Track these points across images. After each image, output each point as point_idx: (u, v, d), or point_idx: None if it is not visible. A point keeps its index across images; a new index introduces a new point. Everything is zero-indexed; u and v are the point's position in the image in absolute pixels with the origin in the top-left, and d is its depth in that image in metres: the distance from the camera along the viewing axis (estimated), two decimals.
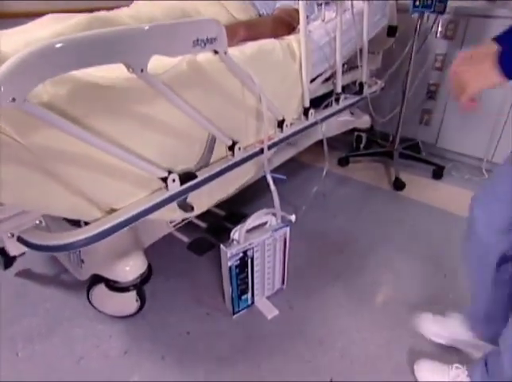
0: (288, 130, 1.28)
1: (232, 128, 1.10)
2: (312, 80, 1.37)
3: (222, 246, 1.07)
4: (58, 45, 0.63)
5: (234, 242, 1.08)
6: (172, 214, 1.06)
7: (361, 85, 1.60)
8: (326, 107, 1.47)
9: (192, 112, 0.92)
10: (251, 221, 1.08)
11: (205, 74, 0.99)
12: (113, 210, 0.90)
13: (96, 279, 1.12)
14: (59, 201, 0.82)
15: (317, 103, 1.45)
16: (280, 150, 1.48)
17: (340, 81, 1.44)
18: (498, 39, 0.66)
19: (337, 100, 1.48)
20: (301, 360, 1.08)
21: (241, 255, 1.09)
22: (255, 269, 1.16)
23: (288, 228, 1.16)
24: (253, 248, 1.11)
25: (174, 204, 1.05)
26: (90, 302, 1.20)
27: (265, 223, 1.16)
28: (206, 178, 1.04)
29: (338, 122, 1.83)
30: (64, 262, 1.24)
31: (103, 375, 1.05)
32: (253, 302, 1.23)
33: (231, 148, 1.10)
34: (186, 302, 1.26)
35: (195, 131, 1.00)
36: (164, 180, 0.94)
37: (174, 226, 1.33)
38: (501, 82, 0.64)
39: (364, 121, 1.98)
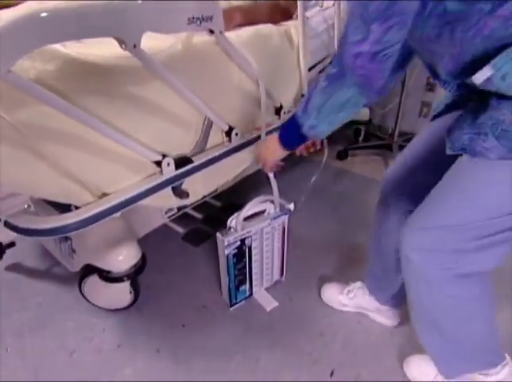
0: (286, 118, 1.26)
1: (228, 114, 1.07)
2: (311, 68, 1.35)
3: (218, 234, 1.04)
4: (44, 15, 0.61)
5: (232, 230, 1.05)
6: (167, 201, 1.03)
7: None
8: None
9: (187, 93, 0.90)
10: (249, 208, 1.05)
11: (201, 56, 0.97)
12: (105, 195, 0.87)
13: (88, 270, 1.09)
14: (48, 183, 0.80)
15: None
16: None
17: None
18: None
19: None
20: (302, 353, 1.06)
21: (238, 243, 1.06)
22: (253, 259, 1.13)
23: (286, 217, 1.14)
24: (251, 236, 1.08)
25: (169, 191, 1.03)
26: (82, 294, 1.17)
27: (264, 211, 1.13)
28: (202, 163, 1.02)
29: None
30: (54, 253, 1.21)
31: (96, 369, 1.02)
32: (251, 294, 1.21)
33: (228, 134, 1.08)
34: (181, 294, 1.23)
35: (191, 115, 0.98)
36: (159, 164, 0.92)
37: (169, 217, 1.30)
38: (286, 153, 0.83)
39: (363, 113, 1.96)
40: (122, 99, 0.84)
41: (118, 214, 0.91)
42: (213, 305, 1.20)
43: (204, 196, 1.33)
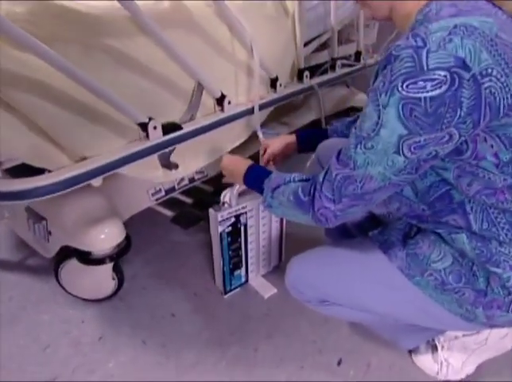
0: (282, 91, 1.21)
1: (220, 81, 1.02)
2: (306, 44, 1.31)
3: (211, 209, 0.97)
4: None
5: (225, 205, 0.98)
6: (154, 171, 0.96)
7: (357, 55, 1.55)
8: (322, 74, 1.40)
9: (177, 52, 0.84)
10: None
11: (189, 17, 0.91)
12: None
13: (66, 254, 1.01)
14: (18, 140, 0.72)
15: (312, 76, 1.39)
16: (272, 131, 1.41)
17: (336, 45, 1.38)
18: (299, 134, 1.02)
19: (333, 67, 1.42)
20: (305, 341, 0.98)
21: (233, 220, 0.99)
22: (249, 239, 1.05)
23: None
24: (246, 213, 1.01)
25: (156, 161, 0.96)
26: (59, 283, 1.07)
27: None
28: (192, 131, 0.95)
29: (333, 98, 1.77)
30: (27, 239, 1.11)
31: (73, 363, 0.92)
32: (247, 280, 1.13)
33: (220, 102, 1.02)
34: (170, 282, 1.15)
35: (180, 79, 0.91)
36: (144, 127, 0.85)
37: (156, 199, 1.22)
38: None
39: (360, 99, 1.92)
40: (104, 52, 0.77)
41: (98, 181, 0.83)
42: (205, 293, 1.11)
43: (194, 180, 1.26)
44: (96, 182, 0.86)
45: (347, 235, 0.98)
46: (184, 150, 0.98)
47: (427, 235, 0.69)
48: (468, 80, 0.48)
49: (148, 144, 0.86)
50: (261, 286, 1.13)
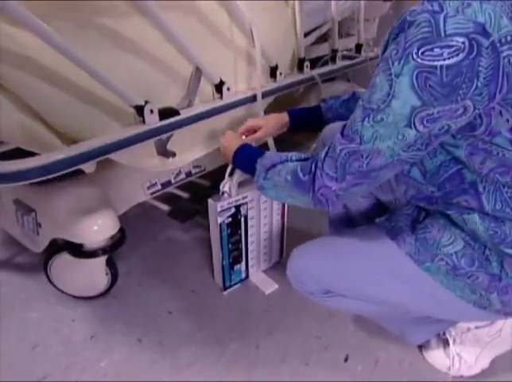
0: (282, 81, 1.19)
1: (219, 68, 1.00)
2: (307, 35, 1.30)
3: (210, 199, 0.95)
4: None
5: (225, 195, 0.95)
6: (150, 160, 0.94)
7: (358, 48, 1.54)
8: (323, 66, 1.39)
9: (174, 34, 0.82)
10: None
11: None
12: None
13: (56, 248, 0.98)
14: (8, 121, 0.70)
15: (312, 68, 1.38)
16: None
17: (336, 36, 1.38)
18: (291, 112, 0.97)
19: (333, 59, 1.41)
20: (309, 336, 0.95)
21: (233, 210, 0.96)
22: (250, 232, 1.03)
23: None
24: (247, 203, 0.98)
25: (153, 149, 0.94)
26: (49, 279, 1.04)
27: None
28: (190, 117, 0.93)
29: (334, 92, 1.75)
30: (15, 234, 1.08)
31: (64, 362, 0.89)
32: (247, 276, 1.10)
33: (219, 89, 1.00)
34: (167, 279, 1.12)
35: (177, 63, 0.90)
36: (140, 111, 0.83)
37: (152, 193, 1.19)
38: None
39: None
40: (98, 32, 0.75)
41: (90, 167, 0.81)
42: (204, 289, 1.08)
43: (191, 174, 1.24)
44: (88, 168, 0.84)
45: (352, 225, 0.95)
46: (181, 139, 0.97)
47: (436, 219, 0.67)
48: (487, 48, 0.46)
49: (144, 128, 0.83)
50: (262, 281, 1.10)
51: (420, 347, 0.90)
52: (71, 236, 0.92)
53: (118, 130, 0.83)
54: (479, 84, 0.47)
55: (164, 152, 0.94)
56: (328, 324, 0.98)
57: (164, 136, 0.90)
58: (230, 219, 0.97)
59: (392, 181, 0.74)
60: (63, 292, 1.05)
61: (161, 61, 0.87)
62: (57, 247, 0.97)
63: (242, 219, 1.00)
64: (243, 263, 1.07)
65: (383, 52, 0.56)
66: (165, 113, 0.88)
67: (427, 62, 0.47)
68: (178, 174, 1.24)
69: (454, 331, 0.85)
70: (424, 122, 0.50)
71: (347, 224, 0.97)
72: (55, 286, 1.05)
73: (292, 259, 0.80)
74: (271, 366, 0.88)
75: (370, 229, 0.76)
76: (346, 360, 0.90)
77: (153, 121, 0.85)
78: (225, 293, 1.07)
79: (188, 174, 1.24)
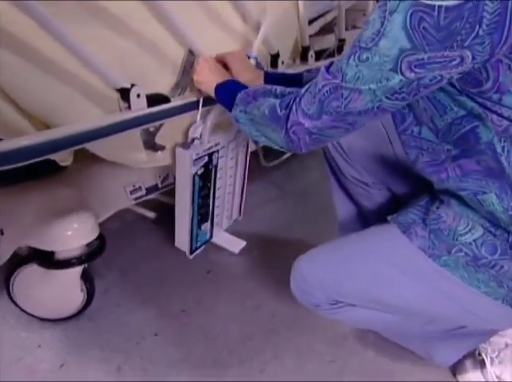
0: (283, 71, 1.18)
1: (214, 51, 0.99)
2: (311, 22, 1.31)
3: (178, 148, 0.89)
4: None
5: (195, 142, 0.90)
6: (135, 154, 0.90)
7: None
8: (328, 57, 1.40)
9: (164, 11, 0.81)
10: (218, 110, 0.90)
11: None
12: None
13: (21, 259, 0.92)
14: None
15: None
16: None
17: (343, 25, 1.39)
18: (267, 75, 0.93)
19: (340, 49, 1.42)
20: (321, 361, 0.90)
21: (206, 159, 0.91)
22: (217, 185, 0.99)
23: None
24: (218, 151, 0.94)
25: (139, 143, 0.91)
26: (11, 297, 0.97)
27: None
28: (181, 106, 0.90)
29: None
30: None
31: None
32: (211, 236, 1.08)
33: None
34: (151, 297, 1.06)
35: (166, 45, 0.88)
36: (126, 94, 0.80)
37: (135, 199, 1.16)
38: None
39: None
40: (79, 5, 0.73)
41: (65, 159, 0.78)
42: (195, 308, 1.03)
43: None
44: (63, 160, 0.81)
45: (364, 228, 0.94)
46: (168, 135, 0.94)
47: (451, 207, 0.65)
48: None
49: (129, 115, 0.80)
50: (228, 241, 1.11)
51: (454, 370, 0.86)
52: (39, 243, 0.87)
53: (99, 116, 0.80)
54: (481, 32, 0.46)
55: (153, 145, 0.91)
56: (343, 347, 0.93)
57: (152, 125, 0.87)
58: (202, 169, 0.92)
59: (403, 149, 0.71)
60: (27, 313, 0.98)
61: (149, 42, 0.85)
62: (22, 257, 0.91)
63: (213, 169, 0.96)
64: (209, 222, 1.04)
65: None
66: (154, 99, 0.85)
67: (425, 0, 0.46)
68: (166, 178, 1.21)
69: (490, 348, 0.82)
70: (412, 67, 0.49)
71: (359, 226, 0.95)
72: (18, 305, 0.98)
73: (297, 267, 0.79)
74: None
75: (381, 227, 0.75)
76: None
77: (140, 107, 0.82)
78: (191, 256, 1.03)
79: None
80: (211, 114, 0.89)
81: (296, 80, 0.94)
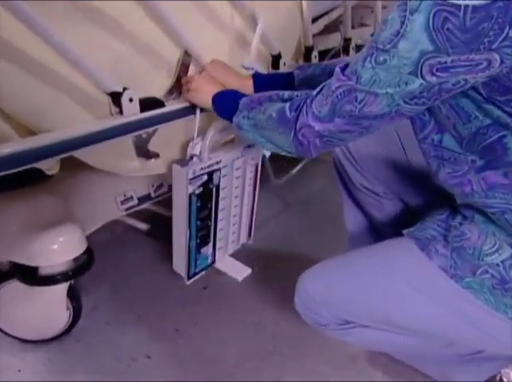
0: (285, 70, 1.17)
1: (211, 53, 0.97)
2: (314, 20, 1.30)
3: (175, 164, 0.87)
4: None
5: (194, 159, 0.88)
6: (127, 162, 0.88)
7: None
8: (333, 57, 1.38)
9: (160, 11, 0.78)
10: (220, 127, 0.88)
11: None
12: None
13: (3, 275, 0.89)
14: None
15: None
16: None
17: (349, 23, 1.37)
18: (255, 77, 0.90)
19: (346, 49, 1.40)
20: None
21: (205, 178, 0.89)
22: (220, 206, 0.96)
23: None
24: (220, 170, 0.91)
25: (131, 151, 0.88)
26: None
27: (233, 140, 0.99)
28: (176, 111, 0.88)
29: None
30: None
31: None
32: (213, 262, 1.05)
33: None
34: (143, 316, 1.04)
35: (160, 46, 0.86)
36: (118, 99, 0.77)
37: (126, 209, 1.13)
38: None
39: None
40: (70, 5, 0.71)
41: (51, 167, 0.75)
42: (191, 328, 1.00)
43: None
44: (49, 169, 0.78)
45: (376, 241, 0.91)
46: (165, 139, 0.92)
47: (475, 223, 0.63)
48: None
49: (121, 121, 0.78)
50: (232, 267, 1.08)
51: None
52: (22, 258, 0.84)
53: (88, 121, 0.77)
54: (511, 33, 0.43)
55: (146, 153, 0.89)
56: (351, 369, 0.91)
57: (145, 131, 0.85)
58: (201, 188, 0.89)
59: (424, 161, 0.69)
60: (7, 334, 0.95)
61: (143, 43, 0.83)
62: (3, 273, 0.88)
63: (214, 189, 0.93)
64: (210, 245, 1.01)
65: None
66: (147, 104, 0.83)
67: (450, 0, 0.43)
68: (159, 187, 1.19)
69: None
70: (434, 70, 0.48)
71: (370, 239, 0.92)
72: None
73: (302, 284, 0.78)
74: None
75: (395, 241, 0.72)
76: None
77: (132, 111, 0.79)
78: (188, 282, 1.01)
79: (171, 187, 1.19)
80: (211, 130, 0.86)
81: (287, 81, 0.92)
